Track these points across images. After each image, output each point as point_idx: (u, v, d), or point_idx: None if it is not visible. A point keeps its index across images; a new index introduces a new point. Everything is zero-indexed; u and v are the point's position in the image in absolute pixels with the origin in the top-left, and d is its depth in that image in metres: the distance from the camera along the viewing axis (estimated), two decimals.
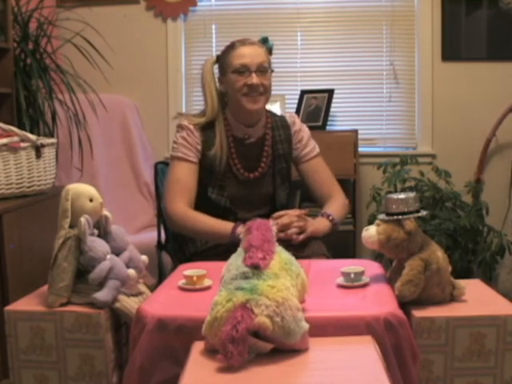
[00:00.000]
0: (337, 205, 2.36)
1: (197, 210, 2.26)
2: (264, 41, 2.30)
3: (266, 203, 2.36)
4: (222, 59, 2.30)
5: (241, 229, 2.05)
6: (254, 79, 2.21)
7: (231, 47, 2.27)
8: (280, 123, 2.40)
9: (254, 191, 2.32)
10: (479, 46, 3.73)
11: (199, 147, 2.28)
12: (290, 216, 2.18)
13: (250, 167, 2.32)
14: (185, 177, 2.26)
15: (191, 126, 2.29)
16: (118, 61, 3.61)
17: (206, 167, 2.28)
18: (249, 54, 2.22)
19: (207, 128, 2.30)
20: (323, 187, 2.40)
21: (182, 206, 2.23)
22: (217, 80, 2.33)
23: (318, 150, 2.43)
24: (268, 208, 2.36)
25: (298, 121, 2.44)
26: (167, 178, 2.33)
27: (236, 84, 2.23)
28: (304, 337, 1.40)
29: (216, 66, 2.34)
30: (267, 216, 2.27)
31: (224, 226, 2.18)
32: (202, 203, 2.27)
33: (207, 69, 2.31)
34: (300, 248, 2.15)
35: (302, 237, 2.16)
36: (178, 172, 2.28)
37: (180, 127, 2.31)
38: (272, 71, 2.29)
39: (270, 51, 2.32)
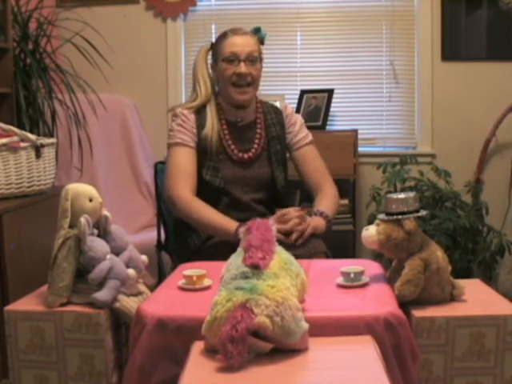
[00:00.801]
0: (329, 199, 2.36)
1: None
2: (256, 31, 2.34)
3: (263, 187, 2.37)
4: (214, 48, 2.35)
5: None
6: (243, 68, 2.26)
7: (223, 36, 2.32)
8: (272, 109, 2.45)
9: (250, 172, 2.34)
10: (479, 46, 3.73)
11: (195, 131, 2.31)
12: (292, 219, 2.17)
13: (244, 149, 2.35)
14: (185, 162, 2.29)
15: (185, 111, 2.33)
16: (117, 61, 3.61)
17: (201, 149, 2.31)
18: (239, 44, 2.27)
19: (201, 111, 2.34)
20: (314, 175, 2.41)
21: (186, 192, 2.24)
22: (210, 67, 2.38)
23: (310, 138, 2.46)
24: (267, 192, 2.37)
25: (289, 107, 2.49)
26: (167, 166, 2.34)
27: (225, 72, 2.28)
28: (304, 337, 1.40)
29: (210, 53, 2.39)
30: (266, 200, 2.33)
31: (228, 223, 2.18)
32: (198, 186, 2.29)
33: (201, 54, 2.38)
34: (301, 247, 2.15)
35: (300, 241, 2.16)
36: (178, 157, 2.30)
37: (174, 115, 2.36)
38: (261, 60, 2.34)
39: (262, 41, 2.36)
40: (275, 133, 2.40)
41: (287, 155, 2.47)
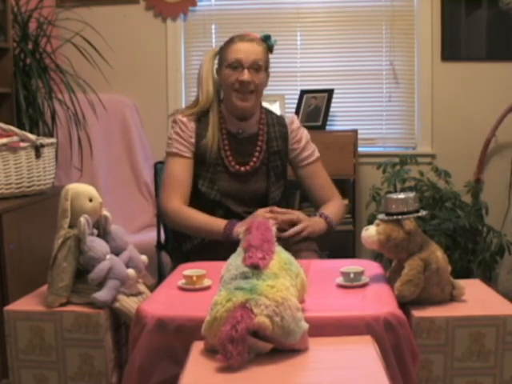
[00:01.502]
0: (334, 207, 2.36)
1: (189, 203, 2.27)
2: (266, 38, 2.30)
3: (258, 201, 2.33)
4: (221, 52, 2.31)
5: (238, 228, 2.07)
6: (246, 76, 2.21)
7: (230, 41, 2.28)
8: (276, 121, 2.39)
9: (246, 186, 2.31)
10: (479, 46, 3.73)
11: (192, 140, 2.29)
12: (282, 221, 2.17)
13: (243, 162, 2.31)
14: (179, 173, 2.28)
15: (184, 119, 2.30)
16: (117, 61, 3.61)
17: (198, 158, 2.29)
18: (244, 50, 2.23)
19: (202, 118, 2.31)
20: (322, 192, 2.39)
21: (175, 203, 2.25)
22: (215, 71, 2.34)
23: (317, 154, 2.41)
24: (259, 206, 2.31)
25: (297, 121, 2.42)
26: (163, 175, 2.35)
27: (228, 79, 2.24)
28: (303, 337, 1.40)
29: (217, 58, 2.35)
30: None
31: (216, 223, 2.19)
32: (193, 196, 2.28)
33: (208, 58, 2.34)
34: (290, 242, 2.14)
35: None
36: (173, 168, 2.29)
37: (174, 122, 2.33)
38: (268, 67, 2.30)
39: (270, 49, 2.31)
40: (276, 147, 2.35)
41: (289, 168, 2.43)
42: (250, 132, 2.34)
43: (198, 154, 2.29)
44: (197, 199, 2.28)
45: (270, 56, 2.34)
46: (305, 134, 2.42)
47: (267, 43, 2.30)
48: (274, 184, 2.35)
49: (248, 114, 2.29)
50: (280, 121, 2.40)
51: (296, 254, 2.07)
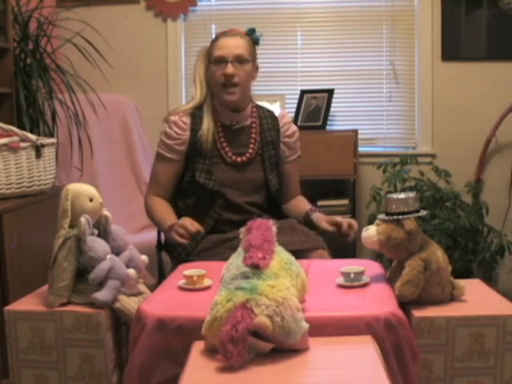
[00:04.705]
0: (305, 201, 2.49)
1: (186, 194, 2.35)
2: (250, 32, 2.34)
3: (257, 190, 2.37)
4: (208, 50, 2.36)
5: (173, 234, 2.16)
6: (229, 69, 2.26)
7: (215, 39, 2.34)
8: (268, 114, 2.46)
9: (243, 176, 2.34)
10: (479, 46, 3.73)
11: (185, 137, 2.32)
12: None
13: (239, 153, 2.35)
14: (160, 173, 2.38)
15: (176, 117, 2.34)
16: (117, 61, 3.61)
17: (195, 151, 2.32)
18: (228, 46, 2.28)
19: (197, 114, 2.35)
20: (294, 190, 2.51)
21: (149, 198, 2.37)
22: (206, 68, 2.38)
23: (299, 153, 2.50)
24: (261, 195, 2.38)
25: (288, 116, 2.50)
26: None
27: (214, 75, 2.30)
28: (304, 337, 1.40)
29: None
30: (260, 203, 2.37)
31: (166, 222, 2.25)
32: (192, 188, 2.33)
33: (199, 56, 2.39)
34: (298, 243, 2.16)
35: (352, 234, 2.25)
36: (157, 167, 2.40)
37: (165, 121, 2.38)
38: (254, 60, 2.34)
39: (256, 42, 2.35)
40: (270, 138, 2.40)
41: None
42: (244, 123, 2.38)
43: (193, 148, 2.32)
44: (196, 190, 2.31)
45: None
46: (297, 131, 2.49)
47: (251, 37, 2.34)
48: (270, 173, 2.39)
49: (241, 105, 2.35)
50: (271, 114, 2.47)
51: (307, 253, 2.08)
